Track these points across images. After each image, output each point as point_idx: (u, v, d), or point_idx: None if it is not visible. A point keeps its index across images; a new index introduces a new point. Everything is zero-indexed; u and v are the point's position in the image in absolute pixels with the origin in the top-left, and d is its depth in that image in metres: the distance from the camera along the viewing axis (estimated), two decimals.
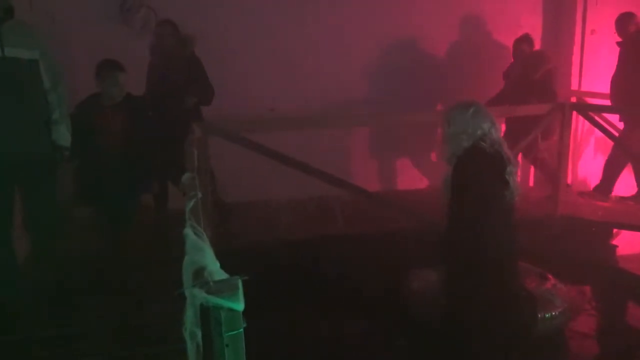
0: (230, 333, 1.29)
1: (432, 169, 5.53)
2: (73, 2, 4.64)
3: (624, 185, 6.29)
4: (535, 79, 5.23)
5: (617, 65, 5.39)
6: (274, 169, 4.48)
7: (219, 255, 1.57)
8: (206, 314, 1.30)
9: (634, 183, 6.28)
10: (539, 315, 3.31)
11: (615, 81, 5.39)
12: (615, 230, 5.36)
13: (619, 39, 5.41)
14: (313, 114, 5.12)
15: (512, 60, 5.55)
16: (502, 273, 2.94)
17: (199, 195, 2.23)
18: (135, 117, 3.96)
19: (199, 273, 1.45)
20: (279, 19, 5.26)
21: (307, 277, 3.92)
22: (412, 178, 5.61)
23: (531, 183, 6.29)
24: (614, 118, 5.48)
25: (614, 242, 5.33)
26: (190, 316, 1.52)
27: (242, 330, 1.34)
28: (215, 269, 1.49)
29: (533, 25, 6.09)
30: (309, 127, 5.09)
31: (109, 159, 3.90)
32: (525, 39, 5.40)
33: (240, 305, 1.32)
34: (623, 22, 5.34)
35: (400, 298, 3.92)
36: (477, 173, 2.81)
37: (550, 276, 3.78)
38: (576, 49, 5.97)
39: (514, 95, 5.23)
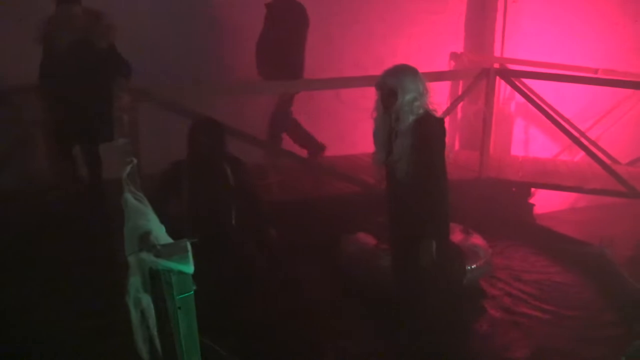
0: (182, 296, 1.29)
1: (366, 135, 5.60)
2: None
3: (540, 146, 6.71)
4: None
5: (264, 29, 4.88)
6: None
7: None
8: (156, 278, 1.29)
9: (549, 144, 6.73)
10: (467, 267, 3.54)
11: (262, 46, 4.90)
12: (533, 190, 5.72)
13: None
14: (246, 80, 5.02)
15: None
16: (448, 229, 3.08)
17: (135, 160, 2.17)
18: None
19: (145, 237, 1.42)
20: None
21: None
22: (347, 144, 5.66)
23: (457, 146, 6.55)
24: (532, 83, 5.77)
25: (532, 201, 5.69)
26: (135, 283, 1.50)
27: (192, 292, 1.34)
28: (161, 233, 1.48)
29: None
30: (241, 94, 5.03)
31: None
32: None
33: (190, 268, 1.31)
34: None
35: (336, 261, 4.03)
36: (439, 134, 2.88)
37: (473, 231, 4.04)
38: (499, 16, 6.19)
39: None
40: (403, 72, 2.87)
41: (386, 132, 2.93)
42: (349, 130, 5.52)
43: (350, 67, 5.49)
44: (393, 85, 2.82)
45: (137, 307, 1.53)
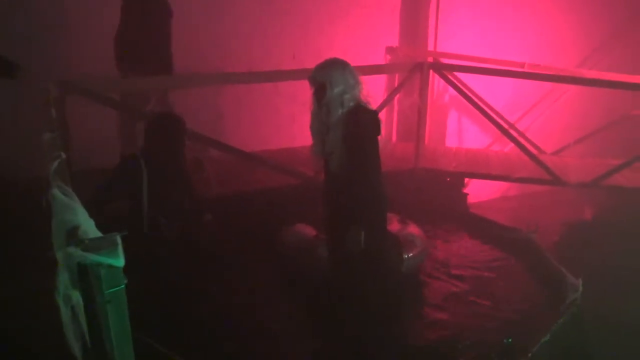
0: (111, 290, 1.26)
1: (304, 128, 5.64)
2: None
3: (473, 137, 6.98)
4: None
5: (121, 21, 4.45)
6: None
7: None
8: (85, 273, 1.26)
9: (482, 135, 7.00)
10: (404, 256, 3.65)
11: (119, 40, 4.47)
12: (466, 180, 5.94)
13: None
14: (181, 72, 4.92)
15: None
16: (385, 219, 3.14)
17: (63, 155, 2.10)
18: None
19: (73, 232, 1.39)
20: None
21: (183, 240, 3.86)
22: (285, 137, 5.68)
23: (394, 138, 6.71)
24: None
25: (465, 190, 5.92)
26: (64, 279, 1.46)
27: (123, 286, 1.32)
28: (90, 227, 1.44)
29: None
30: (177, 86, 4.93)
31: None
32: None
33: (120, 261, 1.29)
34: None
35: (277, 254, 4.05)
36: (371, 126, 2.91)
37: (410, 221, 4.16)
38: (432, 11, 6.36)
39: None
40: (331, 66, 2.90)
41: (321, 124, 2.95)
42: (287, 123, 5.54)
43: (288, 60, 5.50)
44: (322, 79, 2.86)
45: (67, 304, 1.49)
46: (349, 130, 2.83)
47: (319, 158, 3.08)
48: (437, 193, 5.37)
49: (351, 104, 2.85)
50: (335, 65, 2.89)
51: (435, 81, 6.29)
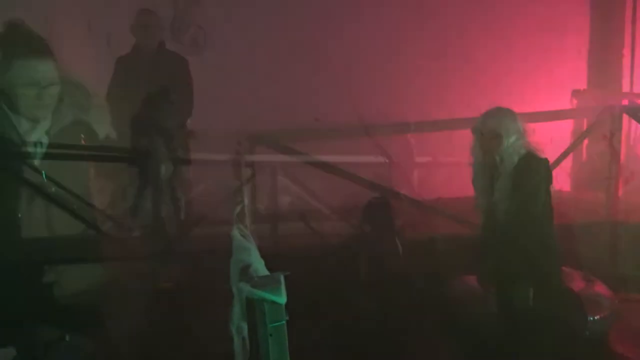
0: (274, 324, 1.40)
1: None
2: (127, 23, 4.88)
3: None
4: None
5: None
6: (317, 179, 4.63)
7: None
8: (251, 306, 1.42)
9: None
10: (588, 318, 3.29)
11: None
12: None
13: None
14: (356, 122, 5.20)
15: None
16: (559, 274, 2.95)
17: (246, 201, 2.38)
18: None
19: (245, 270, 1.57)
20: (321, 28, 5.41)
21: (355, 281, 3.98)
22: (458, 186, 5.60)
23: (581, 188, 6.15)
24: None
25: None
26: (237, 311, 1.65)
27: (284, 322, 1.45)
28: (260, 266, 1.62)
29: (580, 27, 6.01)
30: (355, 135, 5.20)
31: None
32: None
33: (282, 299, 1.43)
34: None
35: (445, 306, 3.94)
36: (543, 174, 2.86)
37: (596, 280, 3.75)
38: (626, 50, 5.83)
39: None
40: (503, 114, 2.89)
41: (486, 176, 2.91)
42: (461, 170, 5.45)
43: (463, 108, 5.46)
44: (496, 128, 2.82)
45: (239, 334, 1.68)
46: (522, 178, 2.75)
47: (482, 210, 3.01)
48: (634, 250, 4.75)
49: (522, 151, 2.79)
50: (506, 113, 2.88)
51: (633, 125, 5.69)
